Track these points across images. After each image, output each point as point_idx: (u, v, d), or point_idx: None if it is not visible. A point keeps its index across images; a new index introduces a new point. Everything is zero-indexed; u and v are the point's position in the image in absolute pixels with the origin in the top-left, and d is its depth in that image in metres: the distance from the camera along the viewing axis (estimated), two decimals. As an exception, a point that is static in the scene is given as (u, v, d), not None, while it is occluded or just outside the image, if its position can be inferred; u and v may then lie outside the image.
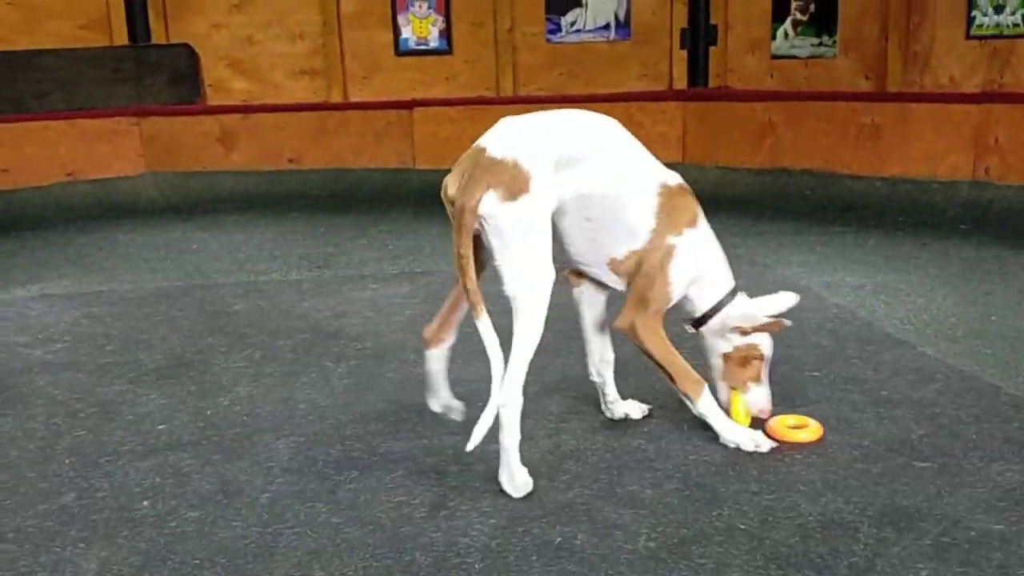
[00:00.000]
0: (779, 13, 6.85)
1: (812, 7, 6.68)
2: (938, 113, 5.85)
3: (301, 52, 7.49)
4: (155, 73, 7.21)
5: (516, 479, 2.32)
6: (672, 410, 2.80)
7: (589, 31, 7.36)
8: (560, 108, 2.51)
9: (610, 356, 2.78)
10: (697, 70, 7.25)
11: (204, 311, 4.06)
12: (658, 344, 2.57)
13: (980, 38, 5.90)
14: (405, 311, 3.99)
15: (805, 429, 2.66)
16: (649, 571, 1.99)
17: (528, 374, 2.29)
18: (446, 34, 7.41)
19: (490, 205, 2.21)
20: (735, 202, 6.25)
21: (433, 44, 7.42)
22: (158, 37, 7.31)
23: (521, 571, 2.00)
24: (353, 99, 7.46)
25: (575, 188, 2.42)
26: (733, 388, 2.66)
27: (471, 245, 2.22)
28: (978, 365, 3.18)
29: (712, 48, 7.21)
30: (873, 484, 2.36)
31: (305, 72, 7.52)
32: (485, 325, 2.23)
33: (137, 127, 7.08)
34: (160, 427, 2.81)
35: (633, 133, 2.57)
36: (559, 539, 2.12)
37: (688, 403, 2.64)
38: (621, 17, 7.30)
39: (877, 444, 2.59)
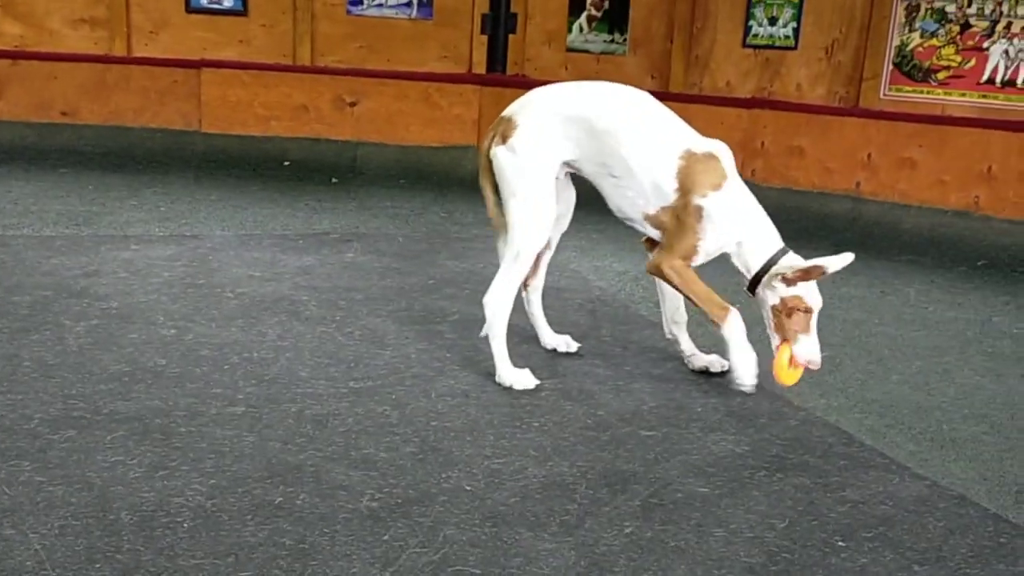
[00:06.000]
0: (575, 7, 7.02)
1: (606, 4, 6.89)
2: (712, 115, 6.18)
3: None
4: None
5: (504, 377, 2.83)
6: (426, 378, 2.82)
7: (391, 7, 7.29)
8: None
9: (681, 317, 3.12)
10: (496, 56, 7.31)
11: (-64, 263, 3.72)
12: (679, 276, 2.86)
13: (755, 47, 6.28)
14: (164, 273, 3.80)
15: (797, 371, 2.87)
16: (366, 529, 1.99)
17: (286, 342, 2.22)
18: (242, -5, 7.13)
19: (492, 146, 2.89)
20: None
21: (228, 4, 7.13)
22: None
23: (232, 530, 1.94)
24: (138, 54, 7.06)
25: (595, 147, 2.86)
26: (784, 340, 2.83)
27: (488, 181, 2.94)
28: (716, 348, 3.38)
29: (512, 36, 7.30)
30: (599, 450, 2.46)
31: (85, 21, 7.05)
32: (500, 244, 2.98)
33: None
34: None
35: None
36: (279, 499, 2.08)
37: (714, 328, 2.87)
38: (424, -4, 7.27)
39: (610, 414, 2.70)
